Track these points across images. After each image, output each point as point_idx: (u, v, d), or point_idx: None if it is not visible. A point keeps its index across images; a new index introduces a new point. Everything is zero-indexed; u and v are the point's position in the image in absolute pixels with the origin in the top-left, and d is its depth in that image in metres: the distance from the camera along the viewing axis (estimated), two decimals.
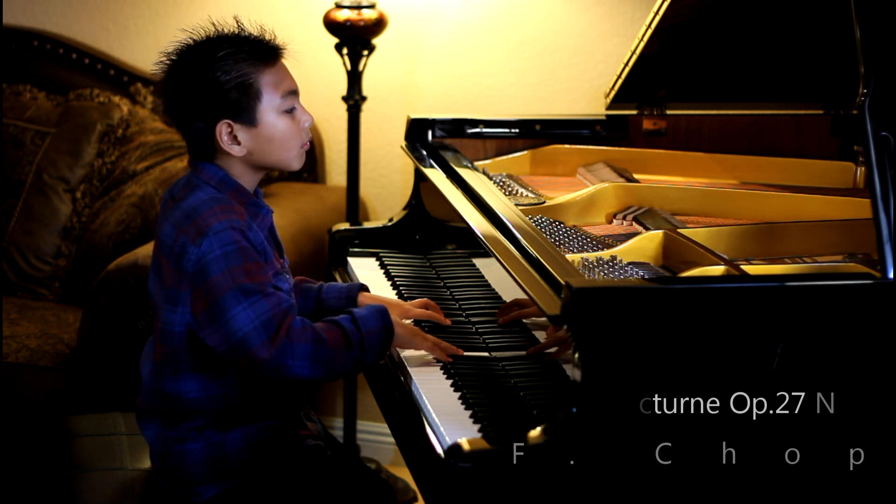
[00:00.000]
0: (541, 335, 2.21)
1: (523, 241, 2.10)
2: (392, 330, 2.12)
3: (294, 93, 2.11)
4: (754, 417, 1.86)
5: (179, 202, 2.09)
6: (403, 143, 2.80)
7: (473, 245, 2.54)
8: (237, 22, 2.11)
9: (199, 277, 2.03)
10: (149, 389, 2.16)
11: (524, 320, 2.27)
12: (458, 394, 2.03)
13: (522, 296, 2.00)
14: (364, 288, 2.34)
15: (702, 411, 1.85)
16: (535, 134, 2.84)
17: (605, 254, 2.19)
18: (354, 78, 3.18)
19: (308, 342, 2.04)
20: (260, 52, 2.09)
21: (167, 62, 2.11)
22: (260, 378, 2.11)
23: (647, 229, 2.34)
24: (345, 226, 2.77)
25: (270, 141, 2.09)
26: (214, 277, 2.02)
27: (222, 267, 2.02)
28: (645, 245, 2.23)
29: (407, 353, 2.18)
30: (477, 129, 2.83)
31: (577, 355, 1.81)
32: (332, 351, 2.06)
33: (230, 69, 2.05)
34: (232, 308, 2.01)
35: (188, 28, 2.11)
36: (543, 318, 2.25)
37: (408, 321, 2.24)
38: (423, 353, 2.17)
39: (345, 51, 3.15)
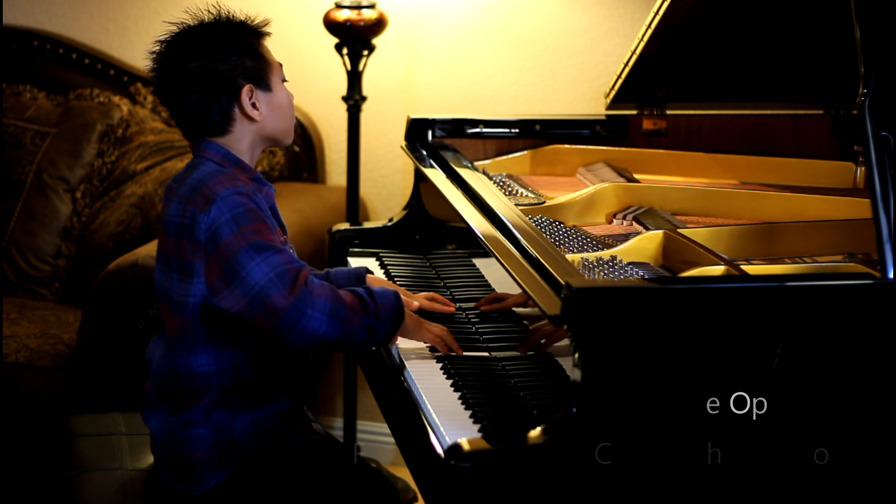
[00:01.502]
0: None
1: (523, 241, 2.10)
2: (403, 314, 2.14)
3: (281, 67, 2.22)
4: (754, 417, 1.86)
5: (184, 181, 2.15)
6: (403, 143, 2.80)
7: (473, 245, 2.54)
8: (218, 8, 2.19)
9: (211, 243, 2.07)
10: (157, 373, 2.17)
11: (524, 321, 2.28)
12: (458, 394, 2.03)
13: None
14: (369, 271, 2.40)
15: (702, 411, 1.85)
16: (535, 134, 2.84)
17: (605, 254, 2.19)
18: (354, 78, 3.18)
19: (327, 298, 2.07)
20: (253, 29, 2.20)
21: (166, 53, 2.16)
22: (271, 350, 2.14)
23: (647, 229, 2.34)
24: (345, 226, 2.77)
25: (280, 107, 2.19)
26: (226, 239, 2.06)
27: (233, 229, 2.06)
28: (645, 245, 2.23)
29: (407, 351, 2.18)
30: (477, 129, 2.83)
31: (577, 355, 1.81)
32: (350, 311, 2.08)
33: (237, 41, 2.15)
34: (246, 265, 2.05)
35: (172, 20, 2.18)
36: (528, 310, 2.27)
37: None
38: (422, 351, 2.18)
39: (345, 51, 3.15)
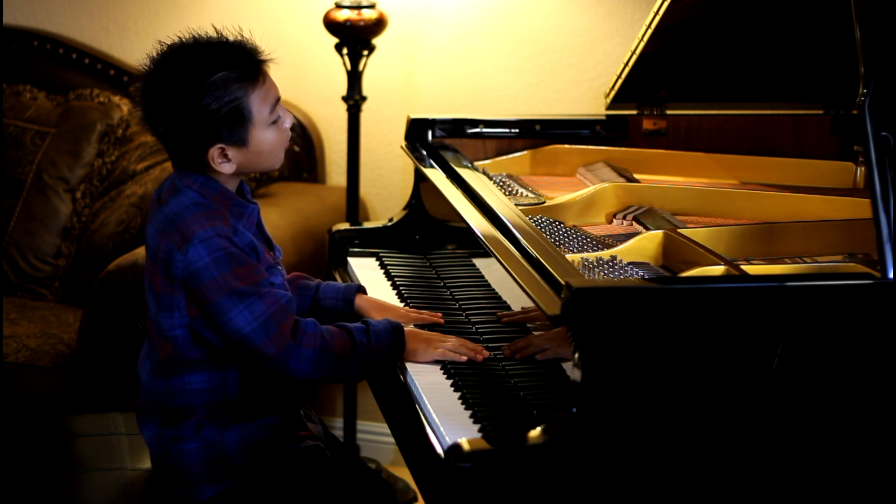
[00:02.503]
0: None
1: (523, 241, 2.10)
2: (402, 347, 2.12)
3: (278, 100, 2.11)
4: (754, 417, 1.86)
5: (163, 206, 2.09)
6: (403, 143, 2.80)
7: (473, 245, 2.54)
8: (216, 31, 2.08)
9: (190, 283, 2.04)
10: (147, 389, 2.16)
11: (528, 324, 2.27)
12: (458, 394, 2.03)
13: (522, 295, 2.00)
14: (362, 290, 2.35)
15: (702, 411, 1.85)
16: (535, 134, 2.84)
17: (605, 254, 2.19)
18: (354, 78, 3.18)
19: (315, 349, 2.05)
20: (247, 69, 2.05)
21: (150, 76, 2.06)
22: (260, 372, 2.12)
23: (647, 229, 2.34)
24: (345, 226, 2.76)
25: (260, 154, 2.09)
26: (206, 283, 2.02)
27: (213, 274, 2.02)
28: (645, 245, 2.23)
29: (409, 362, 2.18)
30: (477, 129, 2.83)
31: (577, 355, 1.81)
32: (337, 359, 2.07)
33: (221, 95, 2.02)
34: (228, 311, 2.02)
35: (165, 39, 2.07)
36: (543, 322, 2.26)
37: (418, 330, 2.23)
38: None
39: (345, 51, 3.15)
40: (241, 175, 2.13)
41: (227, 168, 2.08)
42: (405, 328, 2.16)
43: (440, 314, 2.30)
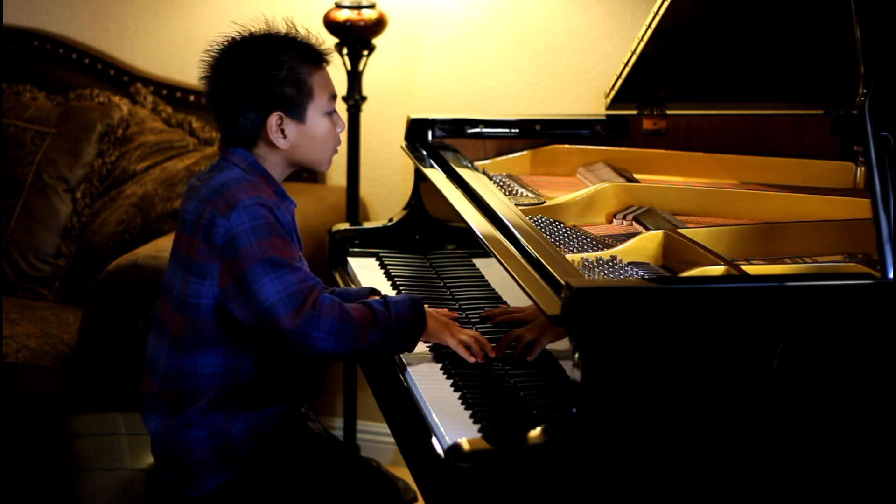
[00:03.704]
0: None
1: (523, 241, 2.10)
2: (423, 319, 2.13)
3: (335, 97, 2.20)
4: (754, 417, 1.86)
5: (206, 181, 2.14)
6: (403, 143, 2.80)
7: (473, 245, 2.54)
8: (287, 24, 2.19)
9: (227, 249, 2.07)
10: (159, 371, 2.17)
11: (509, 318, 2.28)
12: (458, 394, 2.03)
13: (522, 295, 2.00)
14: (375, 292, 2.34)
15: (702, 411, 1.85)
16: (535, 134, 2.84)
17: (605, 254, 2.19)
18: (354, 78, 3.18)
19: (334, 318, 2.06)
20: (311, 55, 2.17)
21: (217, 52, 2.16)
22: (278, 356, 2.14)
23: (647, 229, 2.34)
24: (345, 226, 2.77)
25: (313, 139, 2.17)
26: (243, 249, 2.06)
27: (251, 239, 2.06)
28: (645, 245, 2.23)
29: (407, 354, 2.18)
30: (477, 129, 2.83)
31: (577, 355, 1.81)
32: (358, 328, 2.08)
33: (287, 65, 2.13)
34: (260, 279, 2.05)
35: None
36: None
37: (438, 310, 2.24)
38: (423, 351, 2.17)
39: (345, 51, 3.15)
40: (290, 162, 2.19)
41: (282, 143, 2.14)
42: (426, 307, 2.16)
43: (456, 314, 2.30)
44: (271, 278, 2.05)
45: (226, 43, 2.17)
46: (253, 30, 2.18)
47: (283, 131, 2.14)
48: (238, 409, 2.15)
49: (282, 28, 2.18)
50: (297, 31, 2.18)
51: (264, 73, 2.12)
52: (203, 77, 2.18)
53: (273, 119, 2.13)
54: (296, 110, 2.14)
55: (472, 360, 2.13)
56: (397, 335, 2.11)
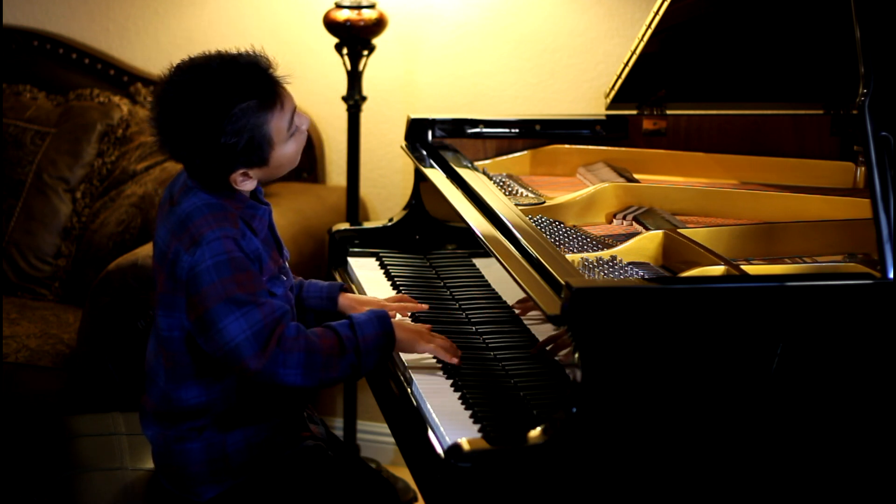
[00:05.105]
0: (541, 334, 2.21)
1: (523, 241, 2.10)
2: (392, 335, 2.11)
3: (294, 110, 2.10)
4: (754, 417, 1.86)
5: (175, 206, 2.09)
6: (403, 143, 2.80)
7: (473, 245, 2.54)
8: (226, 53, 2.06)
9: (191, 286, 2.03)
10: (154, 390, 2.16)
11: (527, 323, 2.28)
12: (458, 394, 2.03)
13: (522, 295, 2.00)
14: (344, 288, 2.35)
15: (702, 411, 1.85)
16: (535, 134, 2.84)
17: (605, 254, 2.19)
18: (354, 78, 3.18)
19: (300, 351, 2.03)
20: (264, 95, 2.04)
21: (165, 102, 2.05)
22: (259, 383, 2.12)
23: (647, 229, 2.34)
24: (345, 226, 2.76)
25: (280, 166, 2.11)
26: (205, 287, 2.01)
27: (213, 278, 2.01)
28: (645, 245, 2.23)
29: (407, 354, 2.18)
30: (477, 129, 2.83)
31: (577, 355, 1.81)
32: (326, 358, 2.05)
33: (241, 129, 2.02)
34: (224, 318, 2.01)
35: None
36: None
37: (406, 320, 2.24)
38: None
39: (345, 51, 3.15)
40: (261, 184, 2.15)
41: (248, 186, 2.09)
42: (392, 319, 2.13)
43: (426, 306, 2.30)
44: (236, 317, 2.00)
45: (166, 86, 2.04)
46: (191, 62, 2.04)
47: (248, 175, 2.08)
48: (235, 425, 2.13)
49: (226, 51, 2.06)
50: (240, 55, 2.05)
51: (216, 143, 2.01)
52: (151, 119, 2.07)
53: (236, 176, 2.07)
54: (258, 161, 2.06)
55: (453, 361, 2.11)
56: (368, 357, 2.08)
